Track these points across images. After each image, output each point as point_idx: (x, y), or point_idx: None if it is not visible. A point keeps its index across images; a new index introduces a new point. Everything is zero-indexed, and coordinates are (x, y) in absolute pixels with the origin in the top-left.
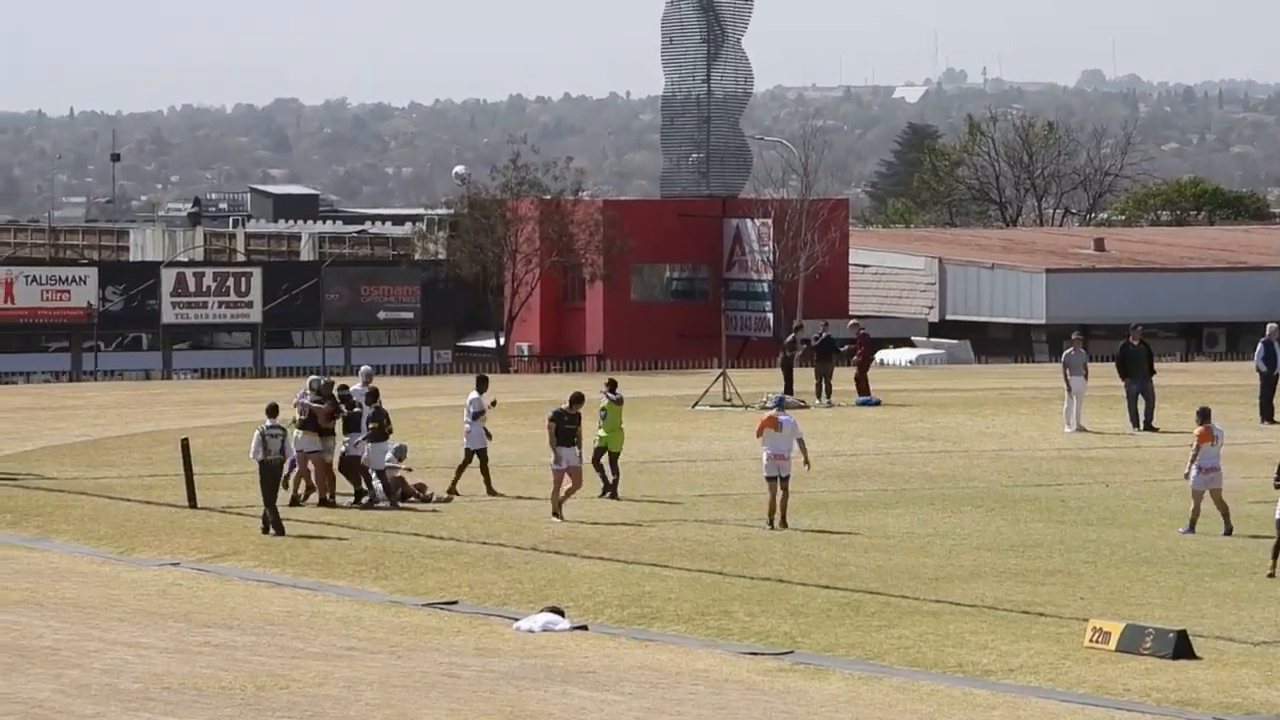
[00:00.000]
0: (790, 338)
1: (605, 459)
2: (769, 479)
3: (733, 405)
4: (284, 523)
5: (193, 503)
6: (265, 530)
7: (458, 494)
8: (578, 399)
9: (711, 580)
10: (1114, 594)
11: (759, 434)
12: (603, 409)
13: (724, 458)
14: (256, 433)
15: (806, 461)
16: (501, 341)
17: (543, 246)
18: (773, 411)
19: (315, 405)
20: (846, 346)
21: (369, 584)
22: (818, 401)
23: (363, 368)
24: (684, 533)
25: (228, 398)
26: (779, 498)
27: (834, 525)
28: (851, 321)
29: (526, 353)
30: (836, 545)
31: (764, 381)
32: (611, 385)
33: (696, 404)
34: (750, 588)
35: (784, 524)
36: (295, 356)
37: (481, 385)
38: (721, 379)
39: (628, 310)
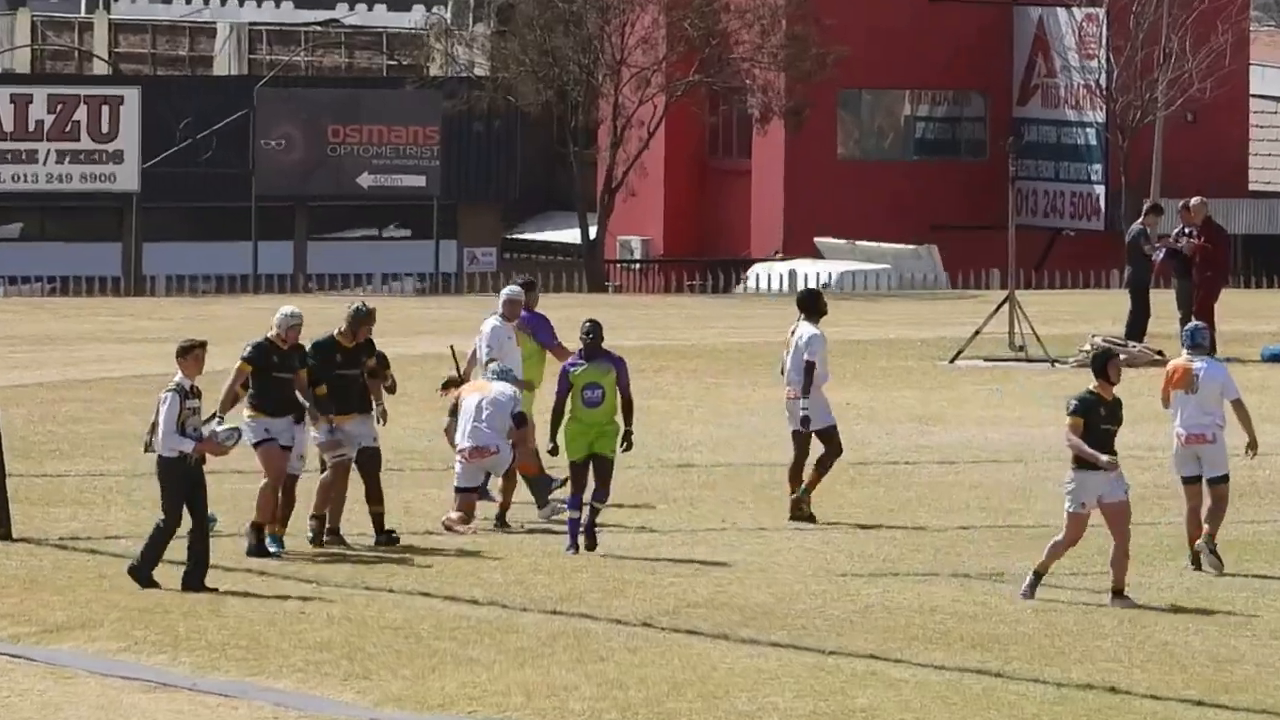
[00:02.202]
0: (1138, 227)
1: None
2: (1186, 480)
3: (1027, 358)
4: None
5: (4, 532)
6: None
7: (507, 525)
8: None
9: (987, 688)
10: None
11: (1165, 397)
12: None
13: (1012, 456)
14: (167, 399)
15: (1252, 444)
16: (592, 233)
17: (671, 55)
18: (1183, 359)
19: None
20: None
21: (332, 686)
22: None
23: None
24: (934, 594)
25: (75, 331)
26: (1204, 514)
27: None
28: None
29: (638, 254)
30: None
31: (1088, 313)
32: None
33: (959, 356)
34: (1065, 702)
35: (1214, 560)
36: (202, 256)
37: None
38: (1007, 309)
39: (831, 177)
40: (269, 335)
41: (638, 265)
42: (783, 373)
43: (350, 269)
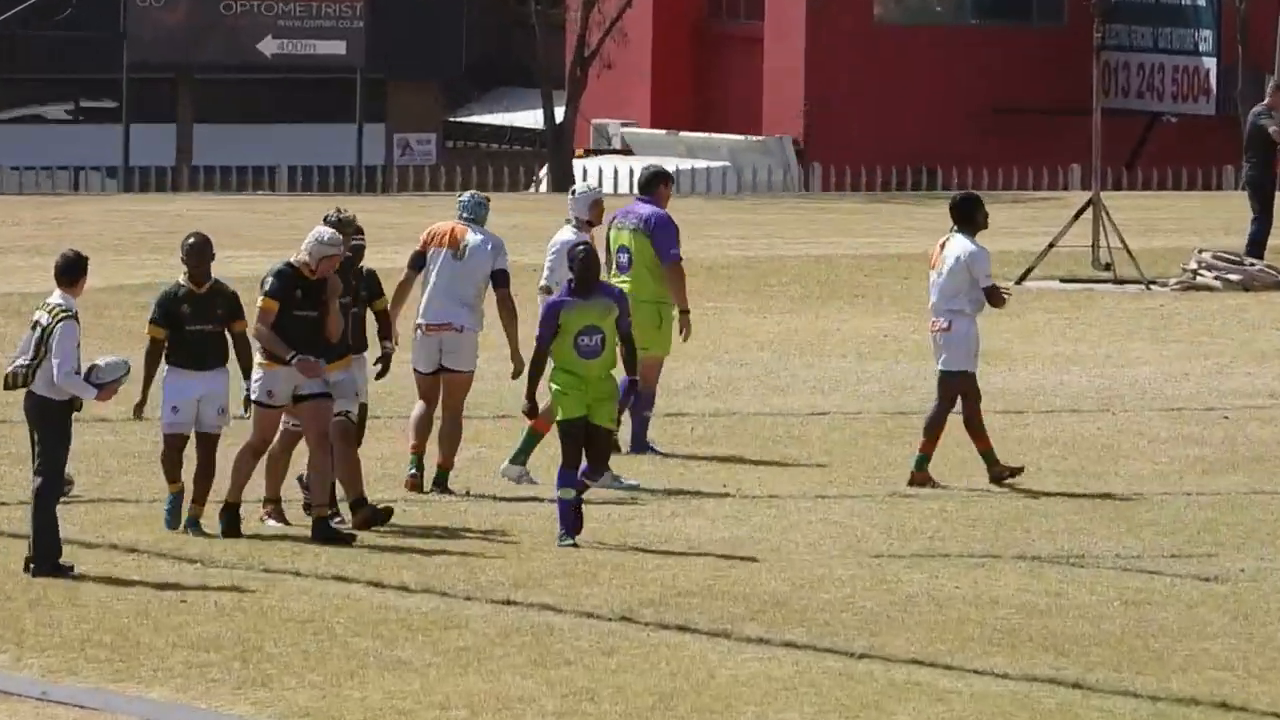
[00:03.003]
0: (1260, 110)
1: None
2: None
3: (1115, 279)
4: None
5: None
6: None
7: (449, 490)
8: None
9: (1063, 702)
10: None
11: None
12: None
13: (1095, 404)
14: (62, 325)
15: None
16: (559, 116)
17: None
18: None
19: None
20: None
21: (221, 696)
22: None
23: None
24: (994, 582)
25: None
26: None
27: None
28: None
29: (618, 143)
30: None
31: (1194, 221)
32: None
33: (1028, 275)
34: None
35: None
36: (60, 141)
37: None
38: (1092, 216)
39: (867, 45)
40: (293, 261)
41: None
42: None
43: (248, 160)
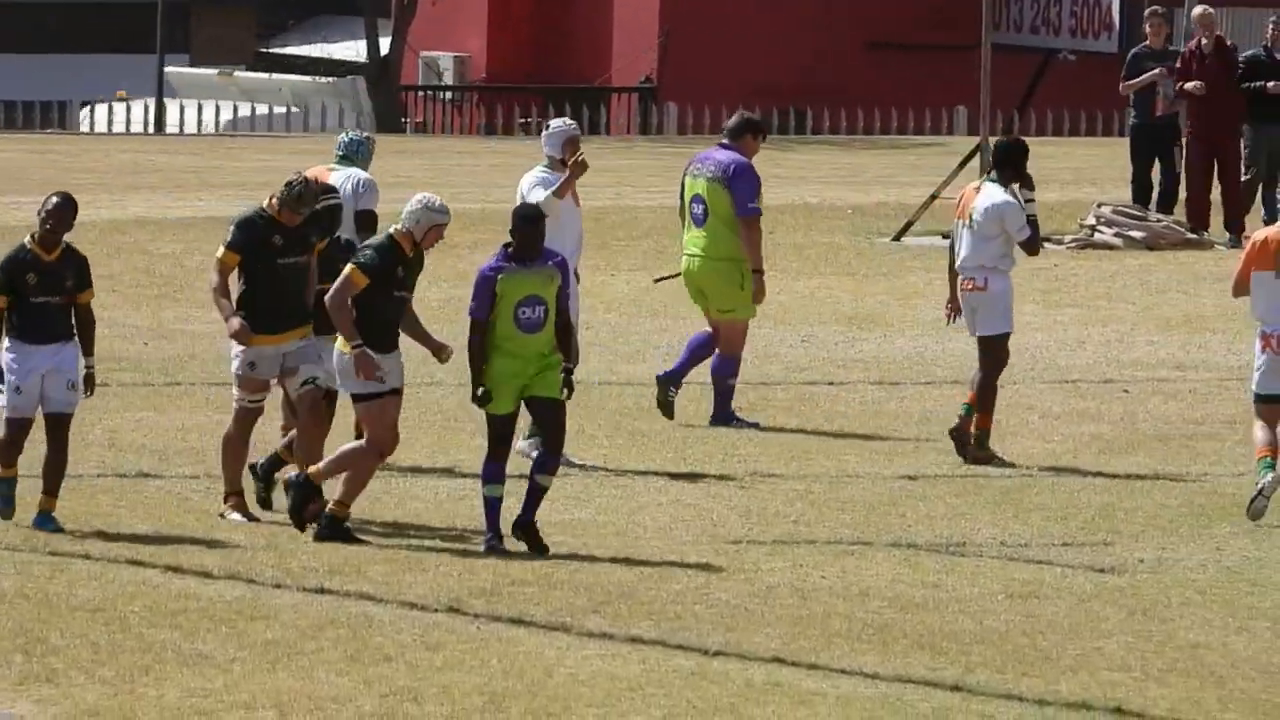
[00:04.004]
0: (1145, 48)
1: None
2: (1264, 399)
3: None
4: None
5: None
6: None
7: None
8: None
9: (939, 706)
10: None
11: (1240, 281)
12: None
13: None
14: None
15: None
16: (384, 48)
17: None
18: (1270, 230)
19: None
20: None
21: None
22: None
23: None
24: (865, 572)
25: None
26: None
27: None
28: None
29: (450, 79)
30: None
31: (1094, 171)
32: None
33: (906, 231)
34: None
35: None
36: None
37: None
38: (980, 165)
39: None
40: (392, 232)
41: (449, 95)
42: (953, 250)
43: (34, 95)
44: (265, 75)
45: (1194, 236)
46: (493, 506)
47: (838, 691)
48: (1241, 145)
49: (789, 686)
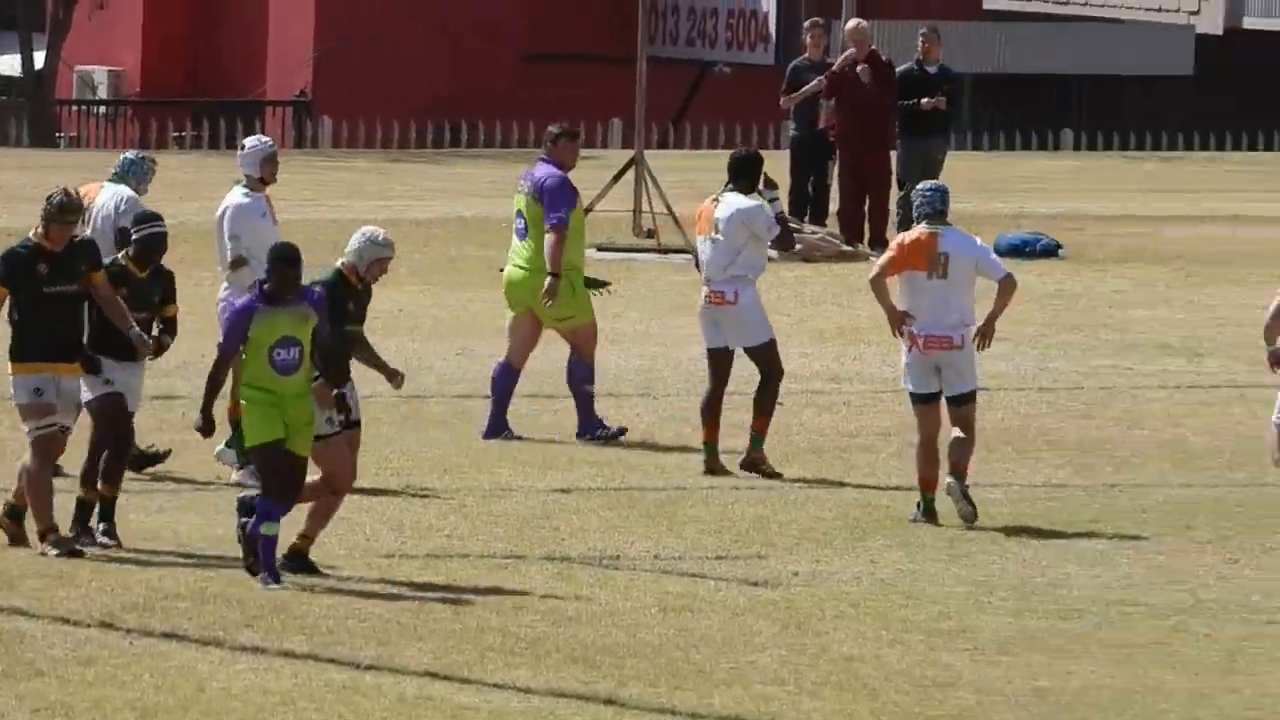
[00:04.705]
0: (805, 61)
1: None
2: (917, 398)
3: (659, 247)
4: None
5: None
6: None
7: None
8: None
9: (593, 719)
10: None
11: (877, 281)
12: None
13: (636, 387)
14: None
15: (985, 328)
16: (39, 62)
17: None
18: (922, 229)
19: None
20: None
21: None
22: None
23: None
24: (518, 584)
25: None
26: (950, 438)
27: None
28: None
29: (104, 93)
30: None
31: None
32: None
33: None
34: None
35: (967, 506)
36: None
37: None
38: (634, 177)
39: None
40: (339, 266)
41: (103, 109)
42: (698, 267)
43: None
44: None
45: (849, 249)
46: (268, 545)
47: (490, 705)
48: (893, 160)
49: (441, 701)
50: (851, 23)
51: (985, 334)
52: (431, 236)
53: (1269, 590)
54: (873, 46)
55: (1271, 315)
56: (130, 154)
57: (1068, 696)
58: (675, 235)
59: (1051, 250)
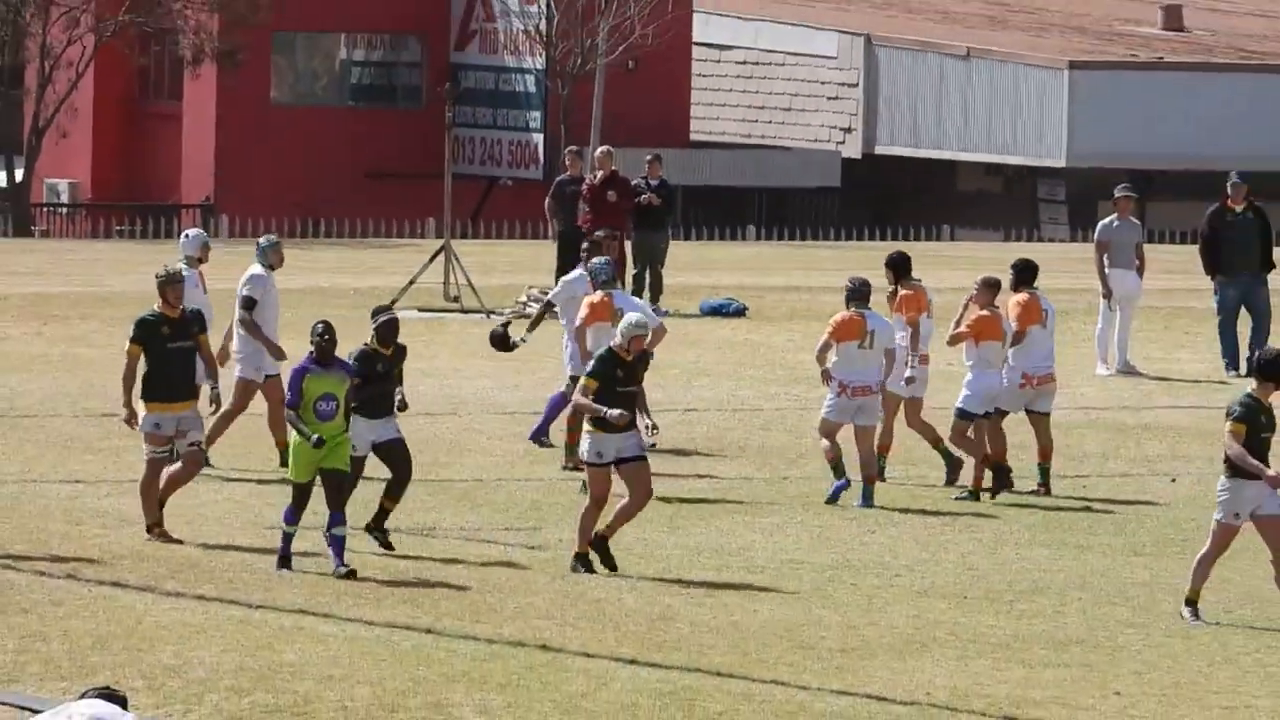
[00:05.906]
0: (569, 177)
1: None
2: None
3: (462, 309)
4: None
5: None
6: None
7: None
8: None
9: (417, 644)
10: (1183, 687)
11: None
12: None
13: (445, 408)
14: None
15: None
16: (18, 175)
17: None
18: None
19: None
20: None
21: None
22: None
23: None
24: (363, 549)
25: None
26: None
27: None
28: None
29: (65, 198)
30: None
31: (525, 264)
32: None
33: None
34: (496, 659)
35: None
36: None
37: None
38: (444, 259)
39: (265, 121)
40: (612, 345)
41: (65, 209)
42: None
43: None
44: None
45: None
46: (287, 540)
47: (345, 634)
48: (628, 247)
49: (310, 630)
50: (600, 149)
51: None
52: (300, 302)
53: (896, 553)
54: (613, 167)
55: (820, 347)
56: (261, 239)
57: (755, 627)
58: (473, 299)
59: (740, 311)
